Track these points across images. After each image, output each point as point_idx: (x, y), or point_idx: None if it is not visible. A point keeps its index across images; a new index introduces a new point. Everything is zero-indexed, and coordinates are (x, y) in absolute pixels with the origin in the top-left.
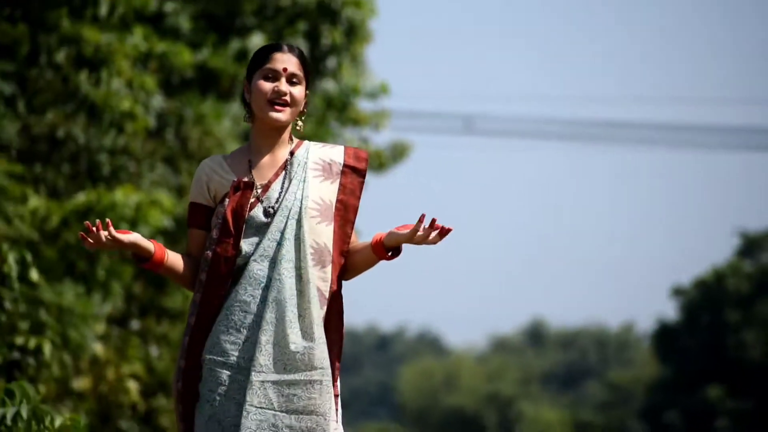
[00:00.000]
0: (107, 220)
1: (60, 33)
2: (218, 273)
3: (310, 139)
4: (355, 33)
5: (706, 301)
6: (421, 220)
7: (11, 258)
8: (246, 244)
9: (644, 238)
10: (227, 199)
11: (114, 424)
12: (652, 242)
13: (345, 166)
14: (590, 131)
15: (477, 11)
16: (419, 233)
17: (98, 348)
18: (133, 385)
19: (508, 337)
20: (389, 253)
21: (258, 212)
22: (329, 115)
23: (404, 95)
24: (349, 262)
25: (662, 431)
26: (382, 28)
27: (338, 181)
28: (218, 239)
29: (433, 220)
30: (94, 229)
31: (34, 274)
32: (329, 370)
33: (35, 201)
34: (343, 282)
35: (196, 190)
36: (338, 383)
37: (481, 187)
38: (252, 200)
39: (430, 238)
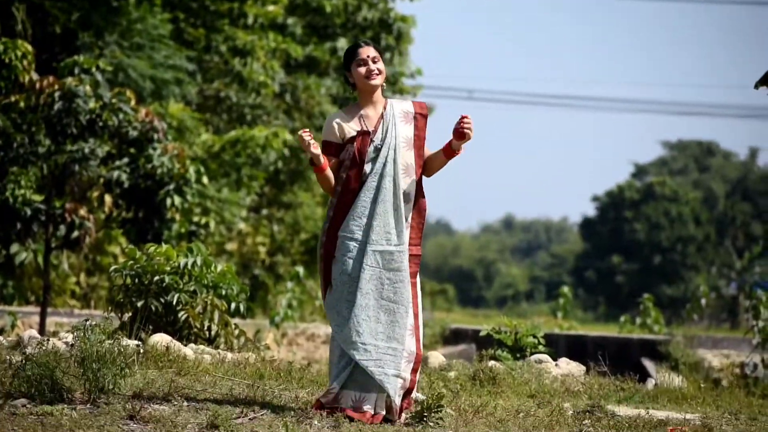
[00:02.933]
0: (310, 137)
1: (223, 33)
2: (349, 187)
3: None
4: (402, 37)
5: (612, 204)
6: (461, 118)
7: (191, 169)
8: (366, 168)
9: (577, 166)
10: (354, 142)
11: (250, 271)
12: (582, 169)
13: (416, 113)
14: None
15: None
16: (459, 129)
17: (242, 225)
18: (262, 248)
19: (491, 223)
20: (455, 152)
21: (371, 148)
22: (385, 88)
23: (430, 75)
24: (429, 167)
25: (583, 282)
26: (419, 32)
27: (413, 123)
28: (350, 166)
29: (462, 116)
30: (309, 135)
31: (204, 179)
32: (407, 245)
33: (205, 135)
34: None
35: (329, 133)
36: (420, 247)
37: (477, 135)
38: (369, 141)
39: (465, 129)
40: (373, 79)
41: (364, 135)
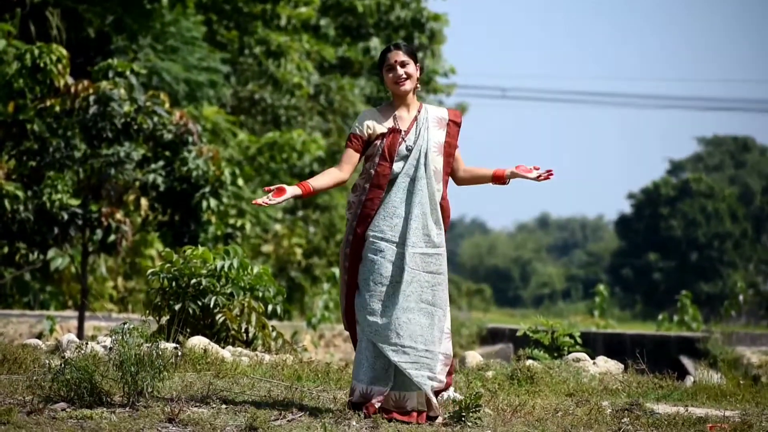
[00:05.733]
0: (270, 195)
1: (257, 36)
2: (378, 184)
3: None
4: (435, 36)
5: (648, 201)
6: (536, 168)
7: (227, 171)
8: (395, 167)
9: (613, 164)
10: (384, 139)
11: (287, 273)
12: (617, 166)
13: (449, 120)
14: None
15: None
16: (533, 176)
17: (278, 226)
18: (298, 250)
19: (526, 222)
20: (506, 182)
21: (402, 148)
22: (419, 89)
23: (463, 74)
24: (467, 178)
25: (620, 281)
26: (452, 31)
27: (445, 129)
28: (378, 163)
29: (549, 171)
30: (263, 200)
31: (240, 181)
32: (445, 248)
33: (241, 137)
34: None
35: (359, 127)
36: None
37: (511, 134)
38: (399, 140)
39: (540, 179)
40: (401, 85)
41: (395, 133)
